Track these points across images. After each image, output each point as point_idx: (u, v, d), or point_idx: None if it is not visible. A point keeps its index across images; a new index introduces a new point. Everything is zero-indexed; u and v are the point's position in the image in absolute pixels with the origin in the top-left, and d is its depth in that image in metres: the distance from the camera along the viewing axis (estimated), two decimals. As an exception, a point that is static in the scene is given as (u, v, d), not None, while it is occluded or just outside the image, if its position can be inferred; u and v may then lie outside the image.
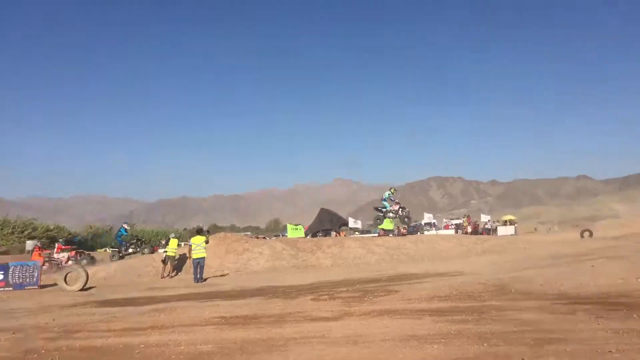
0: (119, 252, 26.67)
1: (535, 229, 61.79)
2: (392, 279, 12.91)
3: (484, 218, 54.96)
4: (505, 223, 51.13)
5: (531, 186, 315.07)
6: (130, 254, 26.81)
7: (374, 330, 6.89)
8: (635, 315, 6.48)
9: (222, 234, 25.34)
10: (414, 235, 29.64)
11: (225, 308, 9.68)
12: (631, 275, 9.26)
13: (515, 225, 51.11)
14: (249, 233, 68.84)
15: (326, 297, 10.37)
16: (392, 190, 29.10)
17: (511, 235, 41.71)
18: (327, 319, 7.99)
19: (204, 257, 16.66)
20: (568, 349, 5.20)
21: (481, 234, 41.06)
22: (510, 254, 19.13)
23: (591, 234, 31.32)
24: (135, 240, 28.52)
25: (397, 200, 28.47)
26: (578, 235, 31.73)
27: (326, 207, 45.35)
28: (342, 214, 50.99)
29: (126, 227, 29.13)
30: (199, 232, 19.13)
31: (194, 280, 16.29)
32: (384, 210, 28.43)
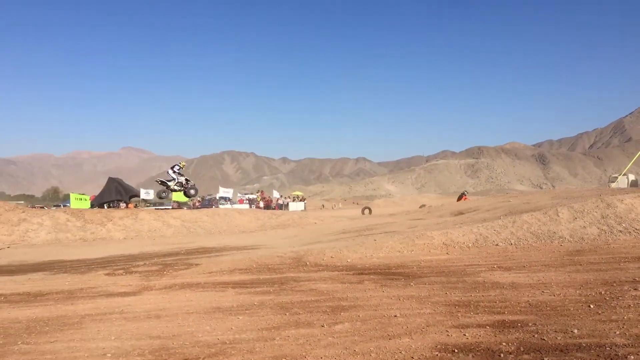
0: None
1: (323, 206, 66.33)
2: (191, 252, 12.80)
3: (276, 194, 57.20)
4: (295, 199, 53.89)
5: (318, 165, 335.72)
6: None
7: (177, 303, 6.81)
8: (412, 283, 7.45)
9: (-10, 202, 22.32)
10: (211, 209, 29.60)
11: (3, 284, 8.62)
12: (406, 248, 10.54)
13: (305, 201, 54.19)
14: (22, 202, 61.60)
15: (122, 271, 9.88)
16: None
17: (302, 210, 44.15)
18: (125, 294, 7.63)
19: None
20: (360, 315, 5.77)
21: (274, 208, 42.70)
22: (302, 228, 20.30)
23: (370, 211, 34.79)
24: None
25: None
26: (360, 212, 34.95)
27: (115, 176, 42.67)
28: (132, 184, 48.57)
29: None
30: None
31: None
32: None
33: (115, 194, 36.50)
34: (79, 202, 36.23)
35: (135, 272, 9.76)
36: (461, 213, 18.32)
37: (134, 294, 7.67)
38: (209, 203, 43.70)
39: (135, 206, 36.62)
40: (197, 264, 10.23)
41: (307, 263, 9.72)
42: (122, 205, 35.92)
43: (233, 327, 5.52)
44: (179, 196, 42.90)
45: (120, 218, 20.60)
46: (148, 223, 20.47)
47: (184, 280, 8.55)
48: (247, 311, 6.21)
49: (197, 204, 43.12)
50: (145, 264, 10.83)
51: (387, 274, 8.37)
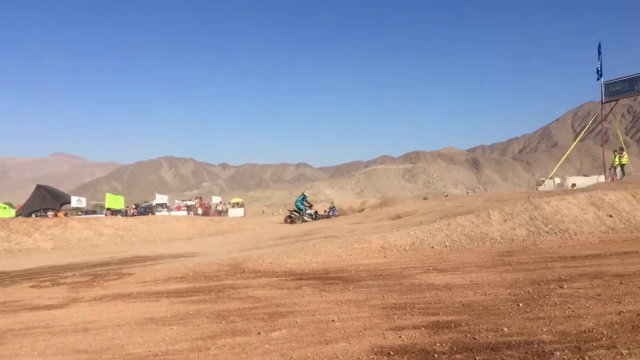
0: None
1: (263, 211, 66.00)
2: (124, 262, 12.34)
3: (215, 200, 56.47)
4: (234, 205, 53.35)
5: (259, 171, 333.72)
6: None
7: (107, 315, 6.53)
8: (350, 287, 7.48)
9: None
10: (146, 216, 28.80)
11: None
12: (345, 252, 10.60)
13: (244, 207, 53.74)
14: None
15: (48, 283, 9.39)
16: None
17: (241, 217, 43.74)
18: (50, 307, 7.25)
19: None
20: (298, 321, 5.73)
21: (213, 215, 42.07)
22: (241, 235, 20.04)
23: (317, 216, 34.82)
24: None
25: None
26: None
27: (44, 183, 40.87)
28: (63, 191, 46.65)
29: None
30: None
31: None
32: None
33: (44, 202, 34.96)
34: (3, 211, 34.55)
35: (63, 283, 9.30)
36: (399, 217, 18.65)
37: (60, 306, 7.30)
38: (144, 210, 42.52)
39: (66, 214, 35.16)
40: (130, 274, 9.87)
41: (246, 269, 9.59)
42: (51, 213, 34.39)
43: (166, 338, 5.35)
44: (112, 203, 41.62)
45: (48, 227, 19.64)
46: (78, 232, 19.62)
47: (116, 291, 8.23)
48: (181, 321, 6.03)
49: (133, 211, 41.89)
50: (74, 274, 10.35)
51: (326, 278, 8.38)
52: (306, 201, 28.81)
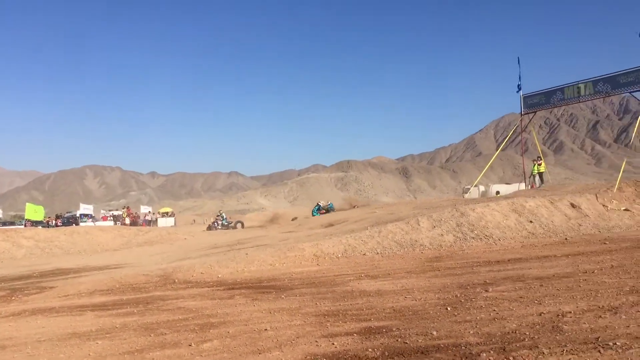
0: None
1: (194, 221, 64.65)
2: (45, 275, 11.73)
3: (144, 209, 54.81)
4: (164, 215, 51.98)
5: (189, 179, 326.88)
6: None
7: (27, 331, 6.16)
8: (283, 296, 7.45)
9: None
10: (69, 227, 27.51)
11: None
12: (278, 261, 10.56)
13: (174, 217, 52.46)
14: None
15: (-40, 299, 8.77)
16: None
17: (171, 226, 42.68)
18: (-37, 325, 6.76)
19: None
20: (230, 331, 5.63)
21: (141, 225, 40.79)
22: (171, 245, 19.56)
23: (243, 225, 34.53)
24: None
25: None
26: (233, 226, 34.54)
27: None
28: (-23, 202, 43.88)
29: None
30: None
31: None
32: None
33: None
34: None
35: (-23, 299, 8.71)
36: (331, 225, 18.82)
37: (-26, 323, 6.82)
38: (68, 221, 40.61)
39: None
40: (51, 287, 9.39)
41: (176, 280, 9.35)
42: (-36, 225, 32.22)
43: (91, 353, 5.11)
44: (32, 214, 39.54)
45: (-40, 239, 18.40)
46: (-5, 244, 18.48)
47: (36, 306, 7.79)
48: (107, 335, 5.78)
49: (57, 222, 39.93)
50: (-11, 289, 9.72)
51: (259, 287, 8.30)
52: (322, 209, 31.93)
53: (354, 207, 33.20)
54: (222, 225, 33.79)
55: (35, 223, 37.48)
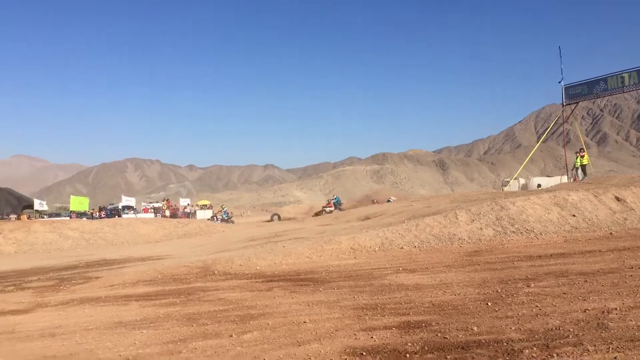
0: None
1: (246, 213, 65.46)
2: (91, 265, 12.11)
3: (183, 202, 55.67)
4: (202, 207, 52.76)
5: (226, 172, 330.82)
6: None
7: (75, 320, 6.39)
8: (321, 289, 7.50)
9: None
10: (112, 219, 28.26)
11: None
12: (315, 254, 10.62)
13: (212, 209, 53.16)
14: None
15: (12, 287, 9.15)
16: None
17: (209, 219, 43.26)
18: (15, 312, 7.06)
19: None
20: (269, 323, 5.71)
21: (181, 217, 41.52)
22: (210, 237, 19.88)
23: (279, 218, 34.78)
24: None
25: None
26: (269, 218, 34.86)
27: (5, 186, 39.75)
28: (25, 194, 45.46)
29: None
30: None
31: None
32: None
33: (5, 205, 34.00)
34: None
35: (28, 287, 9.08)
36: (367, 218, 18.77)
37: (26, 311, 7.12)
38: (111, 213, 41.67)
39: (29, 217, 34.25)
40: (97, 277, 9.69)
41: (215, 272, 9.52)
42: (13, 217, 33.46)
43: (136, 342, 5.26)
44: (77, 205, 40.76)
45: (10, 231, 19.11)
46: (42, 235, 19.14)
47: (83, 295, 8.06)
48: (151, 324, 5.94)
49: (101, 214, 41.05)
50: (39, 279, 10.11)
51: (297, 280, 8.38)
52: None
53: (374, 202, 33.46)
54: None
55: (80, 214, 38.63)
